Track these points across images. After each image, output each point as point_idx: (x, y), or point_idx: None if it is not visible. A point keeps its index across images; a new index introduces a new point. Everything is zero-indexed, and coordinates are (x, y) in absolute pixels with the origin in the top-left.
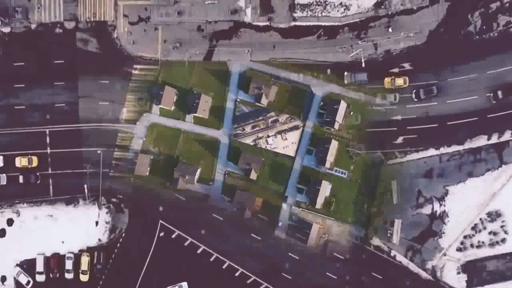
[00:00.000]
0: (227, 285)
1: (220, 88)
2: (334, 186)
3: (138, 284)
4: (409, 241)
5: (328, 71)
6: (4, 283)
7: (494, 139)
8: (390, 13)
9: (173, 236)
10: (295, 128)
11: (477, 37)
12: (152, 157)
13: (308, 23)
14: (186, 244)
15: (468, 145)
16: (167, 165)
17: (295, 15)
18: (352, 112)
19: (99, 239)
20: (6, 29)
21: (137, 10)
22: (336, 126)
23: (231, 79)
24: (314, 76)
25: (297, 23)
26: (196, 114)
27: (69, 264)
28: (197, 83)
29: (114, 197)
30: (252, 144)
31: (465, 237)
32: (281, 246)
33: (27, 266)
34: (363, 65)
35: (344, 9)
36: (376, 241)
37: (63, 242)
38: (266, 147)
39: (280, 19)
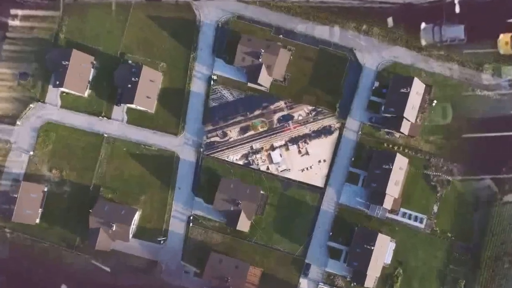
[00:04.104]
0: None
1: (179, 54)
2: (402, 245)
3: None
4: None
5: (389, 21)
6: None
7: None
8: None
9: None
10: (326, 131)
11: None
12: (46, 189)
13: None
14: None
15: None
16: (76, 203)
17: None
18: (436, 102)
19: None
20: None
21: None
22: (405, 128)
23: (201, 37)
24: (361, 32)
25: None
26: (132, 105)
27: None
28: (135, 44)
29: None
30: (241, 163)
31: None
32: None
33: None
34: (457, 9)
35: None
36: None
37: None
38: (268, 168)
39: None
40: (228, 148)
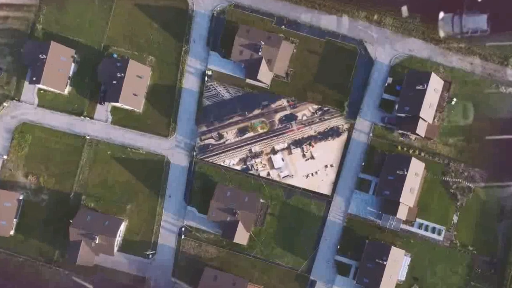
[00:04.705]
0: None
1: (169, 47)
2: (418, 259)
3: None
4: None
5: (404, 9)
6: None
7: None
8: None
9: None
10: (333, 133)
11: None
12: (22, 197)
13: None
14: None
15: None
16: (55, 213)
17: None
18: (455, 100)
19: None
20: None
21: None
22: (421, 129)
23: (194, 28)
24: (372, 22)
25: None
26: (117, 104)
27: None
28: (121, 36)
29: None
30: (239, 168)
31: None
32: None
33: None
34: None
35: None
36: None
37: None
38: (269, 174)
39: None
40: (224, 152)
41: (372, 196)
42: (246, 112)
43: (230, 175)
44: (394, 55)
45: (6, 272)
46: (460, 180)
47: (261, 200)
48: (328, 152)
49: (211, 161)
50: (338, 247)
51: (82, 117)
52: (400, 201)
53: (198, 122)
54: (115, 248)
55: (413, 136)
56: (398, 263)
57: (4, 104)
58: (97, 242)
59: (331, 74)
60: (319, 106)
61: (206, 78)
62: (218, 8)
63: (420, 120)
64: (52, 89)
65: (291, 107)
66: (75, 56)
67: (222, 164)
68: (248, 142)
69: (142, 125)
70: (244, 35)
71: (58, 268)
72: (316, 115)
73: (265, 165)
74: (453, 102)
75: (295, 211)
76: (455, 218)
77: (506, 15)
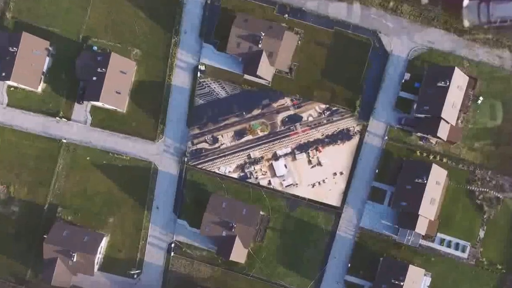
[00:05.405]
0: None
1: (157, 38)
2: (439, 280)
3: None
4: None
5: None
6: None
7: None
8: None
9: None
10: (343, 136)
11: None
12: None
13: None
14: None
15: None
16: (27, 227)
17: None
18: (482, 98)
19: None
20: None
21: None
22: (443, 132)
23: (186, 17)
24: (387, 10)
25: None
26: (98, 103)
27: None
28: (102, 26)
29: None
30: (236, 176)
31: None
32: None
33: None
34: None
35: None
36: None
37: None
38: (270, 183)
39: None
40: (219, 157)
41: (387, 207)
42: (244, 113)
43: (226, 184)
44: (412, 47)
45: None
46: (487, 190)
47: (261, 213)
48: (337, 158)
49: (204, 168)
50: (349, 265)
51: (58, 118)
52: (419, 213)
53: (190, 124)
54: (95, 267)
55: (433, 140)
56: (416, 284)
57: None
58: (74, 260)
59: (340, 69)
60: (327, 106)
61: (198, 74)
62: None
63: (442, 121)
64: (23, 86)
65: (295, 107)
66: (50, 48)
67: (217, 171)
68: (247, 146)
69: (126, 127)
70: (241, 25)
71: None
72: (323, 115)
73: (266, 172)
74: (479, 101)
75: (299, 225)
76: (481, 233)
77: None
